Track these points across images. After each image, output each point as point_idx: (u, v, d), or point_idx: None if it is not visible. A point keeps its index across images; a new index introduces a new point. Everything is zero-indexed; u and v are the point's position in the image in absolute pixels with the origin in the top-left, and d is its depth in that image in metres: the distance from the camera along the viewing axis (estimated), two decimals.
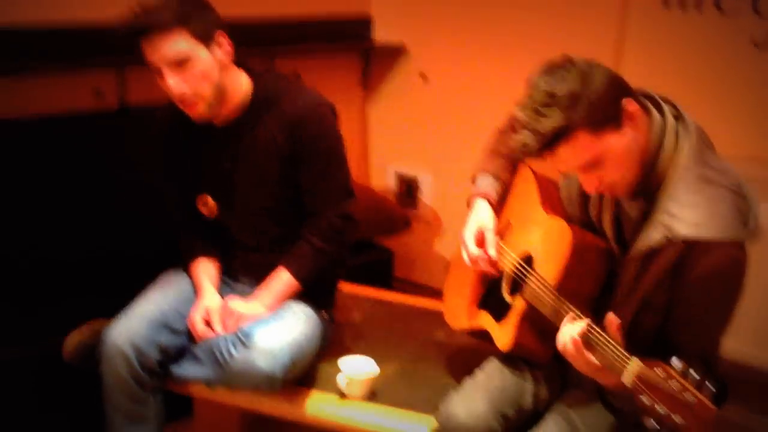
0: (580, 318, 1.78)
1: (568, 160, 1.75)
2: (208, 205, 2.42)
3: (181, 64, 2.14)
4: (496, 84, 3.74)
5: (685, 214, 1.72)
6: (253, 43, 3.56)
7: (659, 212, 1.76)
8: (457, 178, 3.92)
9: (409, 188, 4.14)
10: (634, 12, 3.29)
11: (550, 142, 1.71)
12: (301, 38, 3.86)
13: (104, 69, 3.16)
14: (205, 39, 2.17)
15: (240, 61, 2.31)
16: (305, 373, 2.31)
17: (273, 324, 2.25)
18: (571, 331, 1.76)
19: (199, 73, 2.16)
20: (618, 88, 1.75)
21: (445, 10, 3.89)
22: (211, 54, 2.19)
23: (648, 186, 1.80)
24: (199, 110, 2.22)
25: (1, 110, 2.90)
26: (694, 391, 1.48)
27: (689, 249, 1.72)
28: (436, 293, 3.66)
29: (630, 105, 1.74)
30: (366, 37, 4.14)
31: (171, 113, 2.31)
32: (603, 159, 1.74)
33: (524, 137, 1.73)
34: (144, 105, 3.17)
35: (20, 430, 2.62)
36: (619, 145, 1.75)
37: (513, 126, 2.27)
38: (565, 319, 1.81)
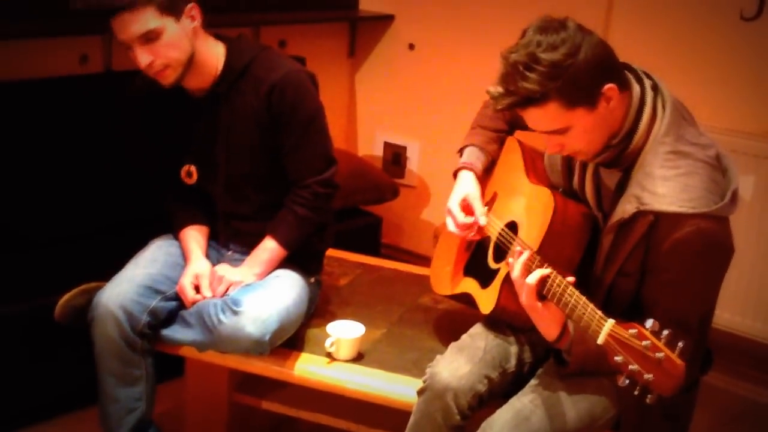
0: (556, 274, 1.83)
1: (534, 122, 1.82)
2: (192, 175, 2.46)
3: (150, 39, 2.17)
4: (483, 53, 3.71)
5: (655, 187, 1.77)
6: (239, 10, 3.58)
7: (633, 185, 1.82)
8: (444, 147, 3.93)
9: (396, 156, 4.17)
10: None
11: (521, 103, 1.77)
12: (289, 6, 3.87)
13: (90, 36, 3.18)
14: (173, 11, 2.19)
15: (213, 31, 2.34)
16: (294, 334, 2.36)
17: (261, 290, 2.29)
18: (522, 259, 1.86)
19: (168, 44, 2.19)
20: (602, 71, 1.77)
21: None
22: (180, 26, 2.21)
23: (625, 158, 1.85)
24: (168, 77, 2.24)
25: None
26: (664, 347, 1.54)
27: (659, 222, 1.77)
28: (423, 259, 3.73)
29: (610, 91, 1.77)
30: (354, 6, 4.15)
31: (147, 84, 2.33)
32: (569, 129, 1.79)
33: (499, 92, 1.78)
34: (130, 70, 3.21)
35: (14, 385, 2.66)
36: (587, 121, 1.79)
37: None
38: (515, 263, 1.88)
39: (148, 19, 2.14)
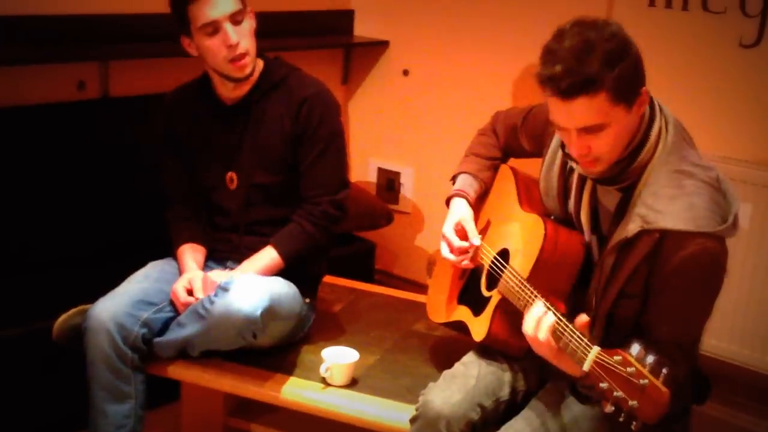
0: (545, 306, 1.84)
1: (576, 113, 1.76)
2: (234, 181, 2.51)
3: (237, 21, 2.33)
4: (477, 79, 3.79)
5: (661, 206, 1.78)
6: None
7: (637, 204, 1.82)
8: (438, 173, 3.95)
9: (390, 182, 4.20)
10: (618, 10, 3.32)
11: (577, 87, 1.73)
12: (282, 32, 3.89)
13: (88, 61, 3.21)
14: (245, 5, 2.38)
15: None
16: (287, 358, 2.38)
17: (252, 276, 2.32)
18: (534, 315, 1.83)
19: (249, 30, 2.38)
20: (642, 71, 1.80)
21: (426, 6, 3.93)
22: (252, 21, 2.41)
23: (626, 176, 1.86)
24: (246, 66, 2.38)
25: None
26: (648, 375, 1.55)
27: (665, 240, 1.77)
28: (417, 286, 3.75)
29: (645, 94, 1.80)
30: (347, 31, 4.18)
31: (179, 94, 2.51)
32: (605, 127, 1.77)
33: (558, 70, 1.73)
34: (126, 96, 3.26)
35: (12, 408, 2.68)
36: (622, 123, 1.79)
37: (494, 128, 2.36)
38: (532, 307, 1.87)
39: (234, 1, 2.34)
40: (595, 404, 1.94)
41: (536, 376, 2.12)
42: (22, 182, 3.00)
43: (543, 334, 1.81)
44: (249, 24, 2.38)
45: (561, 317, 1.78)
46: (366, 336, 2.60)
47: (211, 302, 2.24)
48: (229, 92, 2.45)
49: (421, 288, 3.15)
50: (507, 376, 2.10)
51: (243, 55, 2.35)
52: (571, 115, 1.77)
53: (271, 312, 2.23)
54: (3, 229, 2.94)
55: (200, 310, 2.27)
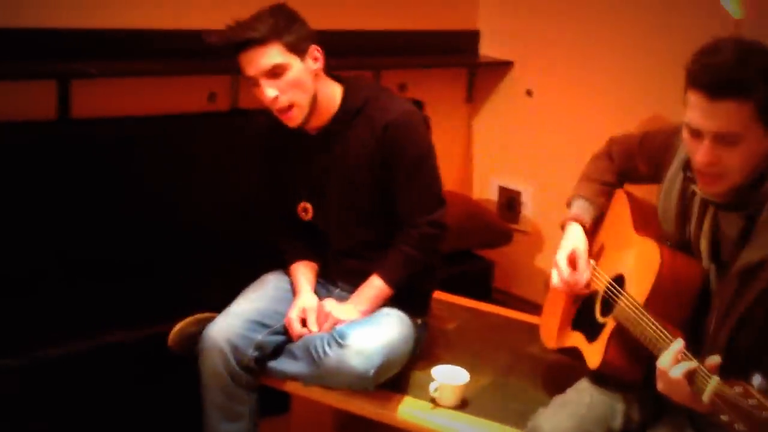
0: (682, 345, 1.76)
1: (719, 117, 1.72)
2: (308, 211, 2.53)
3: (276, 74, 2.27)
4: (601, 100, 3.74)
5: None
6: (360, 54, 3.67)
7: (761, 231, 1.77)
8: (558, 193, 3.88)
9: (511, 201, 4.17)
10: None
11: (730, 88, 1.69)
12: (409, 51, 3.94)
13: (218, 74, 3.32)
14: (299, 51, 2.29)
15: (332, 72, 2.43)
16: (397, 376, 2.37)
17: (368, 325, 2.33)
18: (668, 362, 1.76)
19: (293, 82, 2.29)
20: None
21: (551, 27, 3.91)
22: (304, 65, 2.31)
23: (750, 202, 1.80)
24: (295, 118, 2.34)
25: (114, 109, 3.09)
26: None
27: None
28: (535, 307, 3.69)
29: None
30: (473, 51, 4.20)
31: (268, 121, 2.44)
32: (739, 142, 1.73)
33: (714, 67, 1.71)
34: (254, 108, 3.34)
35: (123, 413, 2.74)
36: (756, 144, 1.74)
37: (609, 152, 2.31)
38: (672, 344, 1.79)
39: (275, 55, 2.25)
40: None
41: (652, 406, 2.05)
42: (152, 189, 3.12)
43: (679, 373, 1.73)
44: (298, 74, 2.29)
45: (702, 368, 1.70)
46: (478, 356, 2.57)
47: (325, 353, 2.27)
48: (308, 123, 2.40)
49: (539, 309, 3.09)
50: (620, 406, 2.04)
51: (286, 108, 2.31)
52: (713, 116, 1.72)
53: (383, 368, 2.27)
54: (128, 236, 3.06)
55: (314, 353, 2.30)
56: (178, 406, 2.65)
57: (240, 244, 3.23)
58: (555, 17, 3.90)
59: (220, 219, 3.27)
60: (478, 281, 3.86)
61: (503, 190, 4.20)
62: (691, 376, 1.71)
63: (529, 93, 4.03)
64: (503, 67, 4.10)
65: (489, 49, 4.17)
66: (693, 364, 1.71)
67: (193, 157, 3.22)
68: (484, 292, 3.81)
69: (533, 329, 2.59)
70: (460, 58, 4.17)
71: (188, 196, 3.21)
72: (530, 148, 4.08)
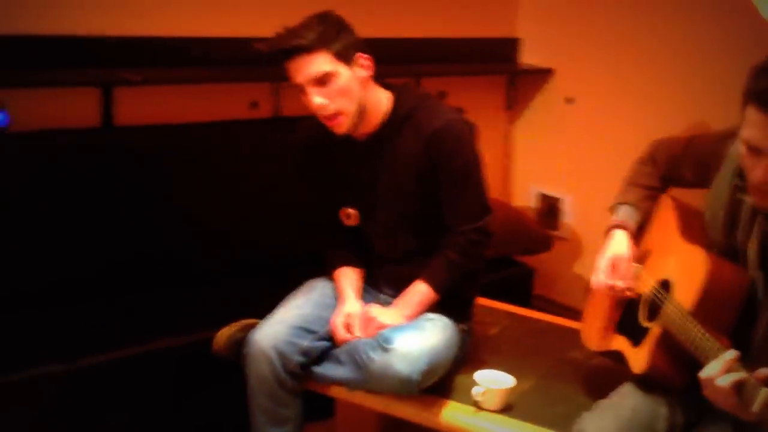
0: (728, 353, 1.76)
1: None
2: (351, 217, 2.55)
3: (323, 82, 2.29)
4: (641, 107, 3.74)
5: None
6: (400, 61, 3.70)
7: None
8: (598, 200, 3.88)
9: (551, 208, 4.18)
10: None
11: None
12: (448, 58, 3.97)
13: (260, 82, 3.37)
14: (346, 59, 2.31)
15: (380, 79, 2.44)
16: (441, 380, 2.39)
17: (412, 330, 2.35)
18: (717, 370, 1.75)
19: (341, 90, 2.31)
20: None
21: (591, 35, 3.93)
22: (352, 73, 2.33)
23: None
24: (342, 126, 2.36)
25: (158, 116, 3.16)
26: None
27: None
28: (575, 312, 3.68)
29: None
30: (513, 59, 4.22)
31: (314, 128, 2.45)
32: None
33: None
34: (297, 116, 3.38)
35: (167, 419, 2.78)
36: None
37: (653, 156, 2.30)
38: (714, 361, 1.78)
39: (323, 63, 2.28)
40: None
41: (695, 410, 2.05)
42: (199, 196, 3.17)
43: (727, 382, 1.73)
44: (345, 82, 2.30)
45: (751, 377, 1.70)
46: (521, 361, 2.58)
47: (370, 358, 2.29)
48: (357, 130, 2.41)
49: (579, 315, 3.09)
50: (664, 410, 2.04)
51: (333, 116, 2.33)
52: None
53: (428, 373, 2.28)
54: (172, 244, 3.11)
55: (358, 358, 2.32)
56: (225, 411, 2.70)
57: (284, 250, 3.27)
58: (594, 24, 3.91)
59: (262, 226, 3.31)
60: (519, 287, 3.87)
61: (543, 197, 4.21)
62: (739, 386, 1.70)
63: (569, 100, 4.04)
64: (543, 74, 4.12)
65: (529, 56, 4.19)
66: (742, 374, 1.71)
67: (236, 165, 3.26)
68: (524, 299, 3.82)
69: (575, 334, 2.59)
70: (499, 66, 4.20)
71: (231, 203, 3.25)
72: (570, 156, 4.09)
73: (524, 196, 4.29)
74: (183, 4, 3.20)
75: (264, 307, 2.50)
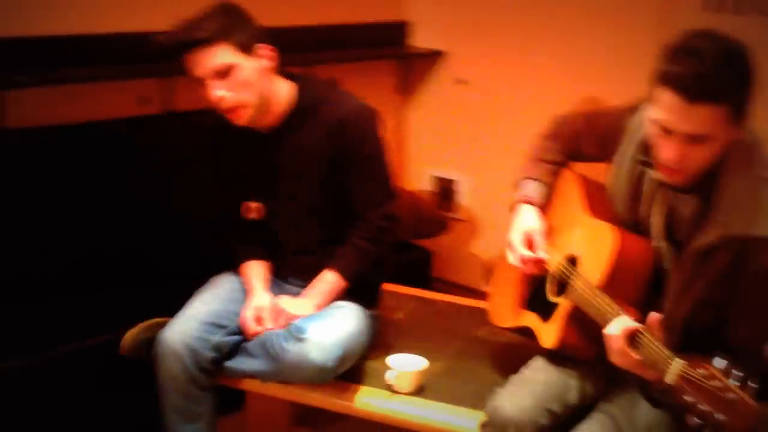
0: (628, 317, 1.82)
1: (694, 120, 1.73)
2: (255, 210, 2.51)
3: (224, 74, 2.24)
4: (533, 87, 3.79)
5: (743, 213, 1.77)
6: (291, 49, 3.65)
7: (718, 211, 1.81)
8: (493, 181, 3.98)
9: (446, 191, 4.21)
10: (673, 15, 3.29)
11: (709, 93, 1.69)
12: (339, 44, 3.94)
13: (148, 77, 3.27)
14: (247, 50, 2.26)
15: (283, 69, 2.40)
16: (353, 367, 2.38)
17: (324, 319, 2.34)
18: (616, 329, 1.81)
19: (242, 82, 2.26)
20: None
21: (481, 16, 3.95)
22: (254, 64, 2.28)
23: (705, 181, 1.84)
24: (243, 118, 2.31)
25: (49, 117, 3.02)
26: (736, 389, 1.54)
27: (746, 247, 1.76)
28: (474, 293, 3.75)
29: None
30: (404, 43, 4.22)
31: (219, 121, 2.39)
32: (708, 141, 1.75)
33: (693, 70, 1.69)
34: (189, 111, 3.29)
35: (79, 421, 2.70)
36: (724, 141, 1.77)
37: (556, 132, 2.34)
38: (614, 319, 1.85)
39: (224, 55, 2.22)
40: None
41: (604, 380, 2.11)
42: (84, 198, 3.05)
43: (625, 344, 1.79)
44: (246, 73, 2.25)
45: (644, 330, 1.77)
46: (429, 343, 2.60)
47: (284, 349, 2.26)
48: (260, 122, 2.38)
49: (478, 295, 3.15)
50: (575, 381, 2.10)
51: (234, 108, 2.28)
52: (688, 119, 1.73)
53: (343, 360, 2.28)
54: (70, 249, 3.01)
55: (271, 349, 2.30)
56: (135, 412, 2.64)
57: (185, 248, 3.20)
58: (484, 4, 3.93)
59: (161, 224, 3.22)
60: (418, 271, 3.90)
61: (438, 180, 4.24)
62: (630, 335, 1.77)
63: (461, 81, 4.07)
64: (434, 57, 4.13)
65: (420, 39, 4.19)
66: (632, 323, 1.78)
67: (129, 163, 3.16)
68: (424, 282, 3.85)
69: (480, 313, 2.63)
70: (390, 50, 4.19)
71: (127, 202, 3.15)
72: (464, 137, 4.12)
73: (419, 179, 4.31)
74: (71, 3, 3.07)
75: (171, 306, 2.45)
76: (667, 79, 1.74)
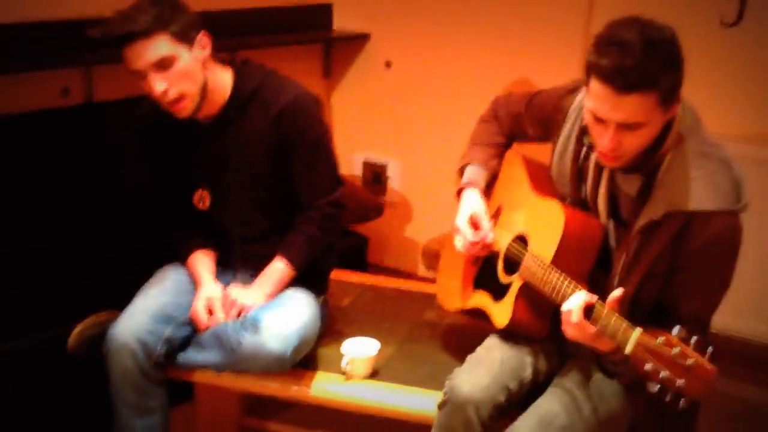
0: (585, 292, 1.86)
1: (625, 109, 1.75)
2: (204, 200, 2.48)
3: (164, 66, 2.19)
4: (460, 69, 3.82)
5: (686, 188, 1.82)
6: (213, 35, 3.59)
7: (661, 187, 1.86)
8: (425, 164, 4.00)
9: (377, 175, 4.22)
10: None
11: (637, 84, 1.71)
12: (261, 29, 3.88)
13: (72, 67, 3.17)
14: (186, 40, 2.22)
15: (216, 55, 2.36)
16: (307, 354, 2.38)
17: (279, 308, 2.33)
18: (574, 304, 1.86)
19: (183, 73, 2.21)
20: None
21: None
22: (192, 54, 2.24)
23: (647, 160, 1.88)
24: (185, 110, 2.27)
25: None
26: (696, 354, 1.60)
27: (690, 220, 1.82)
28: (410, 277, 3.77)
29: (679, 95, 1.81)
30: (327, 26, 4.18)
31: (152, 111, 2.35)
32: (642, 127, 1.79)
33: (619, 62, 1.71)
34: (111, 101, 3.21)
35: (25, 423, 2.65)
36: (658, 124, 1.81)
37: (495, 114, 2.36)
38: (572, 294, 1.89)
39: (162, 47, 2.17)
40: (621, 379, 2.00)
41: (557, 356, 2.16)
42: (7, 190, 2.97)
43: (582, 317, 1.83)
44: (186, 64, 2.21)
45: (600, 301, 1.81)
46: (379, 328, 2.61)
47: (239, 340, 2.25)
48: (200, 112, 2.32)
49: (415, 279, 3.17)
50: (529, 358, 2.14)
51: (177, 100, 2.23)
52: (619, 109, 1.76)
53: (299, 348, 2.28)
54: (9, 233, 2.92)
55: (226, 341, 2.28)
56: (86, 409, 2.60)
57: (124, 242, 3.14)
58: None
59: (94, 217, 3.15)
60: (354, 257, 3.90)
61: (368, 165, 4.24)
62: (587, 309, 1.81)
63: (388, 64, 4.07)
64: (360, 39, 4.11)
65: (344, 22, 4.16)
66: (589, 296, 1.82)
67: (52, 155, 3.07)
68: (360, 267, 3.86)
69: (425, 297, 2.66)
70: (314, 33, 4.15)
71: (55, 195, 3.06)
72: (392, 120, 4.13)
73: (348, 164, 4.28)
74: None
75: (118, 300, 2.41)
76: (595, 71, 1.78)
